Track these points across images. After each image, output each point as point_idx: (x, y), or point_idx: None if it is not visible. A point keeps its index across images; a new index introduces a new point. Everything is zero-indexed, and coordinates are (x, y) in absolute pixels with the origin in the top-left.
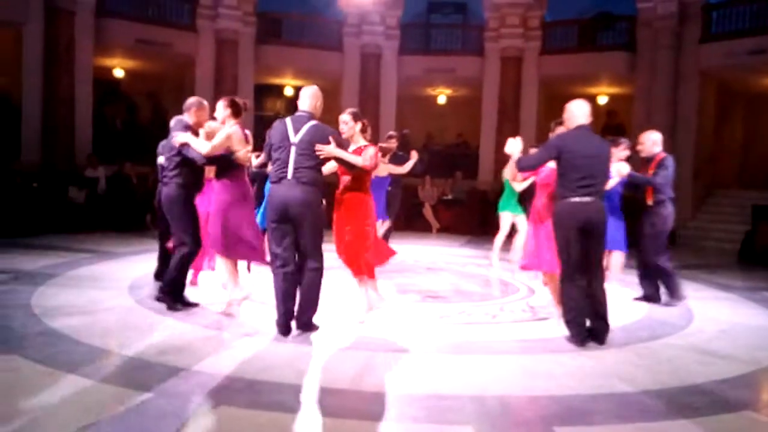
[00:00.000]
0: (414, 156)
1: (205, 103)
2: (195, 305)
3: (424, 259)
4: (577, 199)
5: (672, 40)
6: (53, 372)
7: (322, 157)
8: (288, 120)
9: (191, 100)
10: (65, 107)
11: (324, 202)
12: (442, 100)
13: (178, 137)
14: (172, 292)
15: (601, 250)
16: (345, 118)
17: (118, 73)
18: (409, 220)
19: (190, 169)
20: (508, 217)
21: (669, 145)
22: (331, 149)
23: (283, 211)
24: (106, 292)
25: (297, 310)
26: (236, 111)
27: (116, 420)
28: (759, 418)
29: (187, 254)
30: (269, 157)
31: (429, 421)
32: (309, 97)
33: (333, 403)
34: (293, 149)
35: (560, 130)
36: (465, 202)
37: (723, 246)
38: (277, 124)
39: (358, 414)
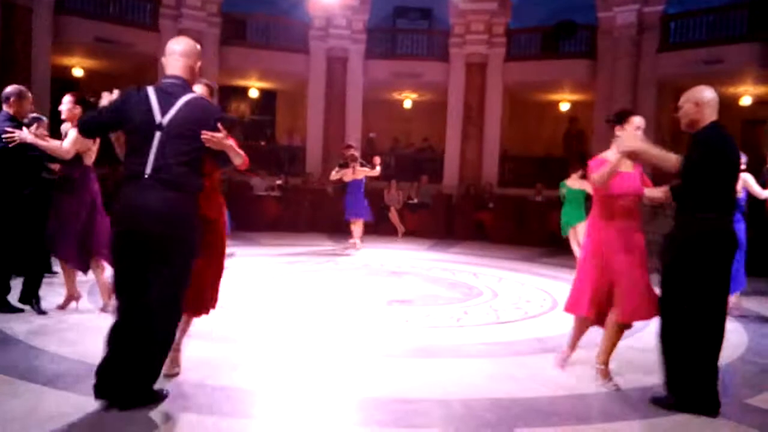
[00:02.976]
0: (377, 161)
1: (29, 94)
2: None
3: (390, 263)
4: (727, 220)
5: (631, 48)
6: (10, 380)
7: (209, 147)
8: (150, 91)
9: (10, 89)
10: None
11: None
12: (408, 104)
13: (19, 135)
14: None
15: None
16: (199, 91)
17: (77, 72)
18: (374, 223)
19: (15, 165)
20: (582, 227)
21: None
22: (222, 139)
23: (133, 226)
24: (64, 296)
25: (129, 371)
26: (85, 108)
27: (76, 429)
28: (714, 419)
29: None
30: (95, 135)
31: (395, 425)
32: (182, 55)
33: (296, 408)
34: (158, 135)
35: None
36: (430, 206)
37: None
38: (132, 95)
39: (323, 418)
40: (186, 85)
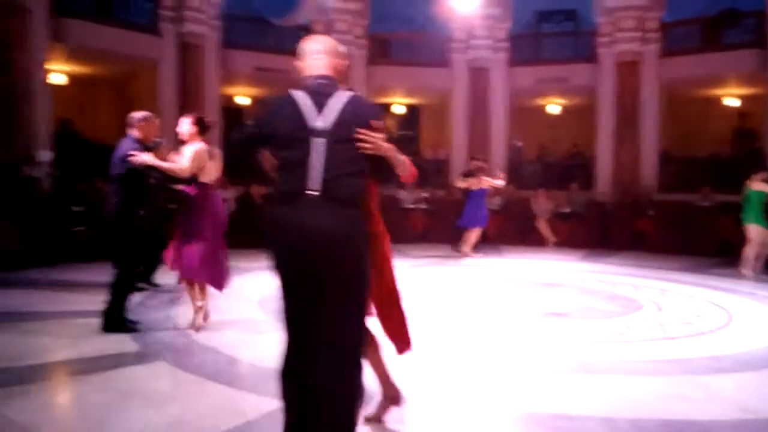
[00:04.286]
0: (502, 175)
1: (155, 120)
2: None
3: (541, 274)
4: None
5: None
6: (201, 380)
7: (370, 153)
8: (297, 93)
9: (137, 115)
10: None
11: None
12: (554, 109)
13: (141, 158)
14: (113, 314)
15: None
16: None
17: (241, 100)
18: (523, 234)
19: (136, 186)
20: (756, 229)
21: None
22: (381, 141)
23: (305, 253)
24: (239, 305)
25: None
26: (203, 129)
27: (256, 426)
28: None
29: (119, 281)
30: (242, 157)
31: None
32: (325, 53)
33: (453, 419)
34: (317, 142)
35: None
36: (582, 214)
37: None
38: (275, 101)
39: (481, 431)
40: (336, 84)
